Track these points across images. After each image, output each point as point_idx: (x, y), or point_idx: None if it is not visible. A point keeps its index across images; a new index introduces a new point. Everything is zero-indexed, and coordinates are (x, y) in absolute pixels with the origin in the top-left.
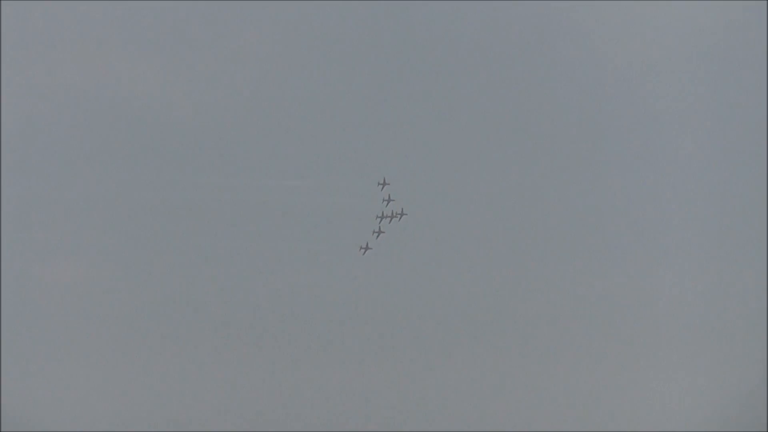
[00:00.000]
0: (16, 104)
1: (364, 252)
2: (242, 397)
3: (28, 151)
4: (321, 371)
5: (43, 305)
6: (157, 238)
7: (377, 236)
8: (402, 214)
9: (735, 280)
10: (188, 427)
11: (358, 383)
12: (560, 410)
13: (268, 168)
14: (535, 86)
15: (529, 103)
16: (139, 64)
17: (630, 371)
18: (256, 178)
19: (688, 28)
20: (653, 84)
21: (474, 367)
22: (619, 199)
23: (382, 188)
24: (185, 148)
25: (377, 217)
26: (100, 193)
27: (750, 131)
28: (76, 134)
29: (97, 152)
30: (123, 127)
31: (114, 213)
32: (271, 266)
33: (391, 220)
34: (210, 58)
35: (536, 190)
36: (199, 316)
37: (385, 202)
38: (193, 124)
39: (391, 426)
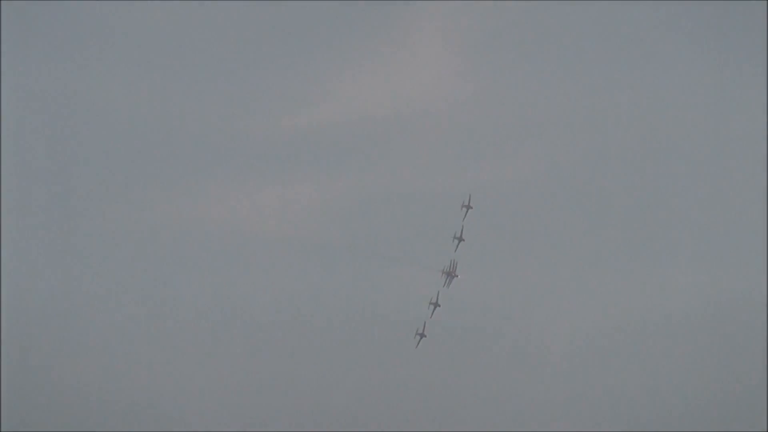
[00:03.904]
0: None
1: (420, 340)
2: None
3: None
4: None
5: (44, 303)
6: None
7: (433, 311)
8: (454, 275)
9: (735, 279)
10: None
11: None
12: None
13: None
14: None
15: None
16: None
17: (631, 370)
18: None
19: (688, 28)
20: (653, 84)
21: None
22: (622, 198)
23: (465, 213)
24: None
25: (443, 272)
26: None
27: (750, 131)
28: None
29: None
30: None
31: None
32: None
33: (451, 282)
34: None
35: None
36: None
37: (457, 241)
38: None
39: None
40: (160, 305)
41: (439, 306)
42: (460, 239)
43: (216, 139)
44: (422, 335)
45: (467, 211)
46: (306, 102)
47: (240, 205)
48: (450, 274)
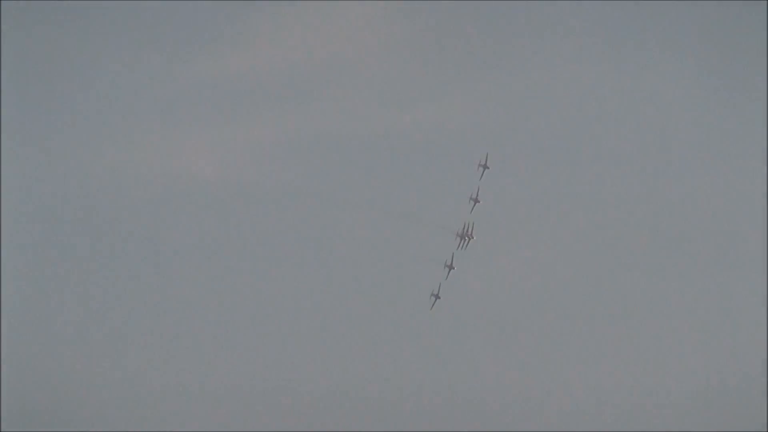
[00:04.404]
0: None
1: (434, 302)
2: None
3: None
4: None
5: (44, 303)
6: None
7: (448, 274)
8: (470, 237)
9: (735, 280)
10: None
11: None
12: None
13: None
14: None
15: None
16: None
17: (632, 370)
18: None
19: (688, 28)
20: (654, 84)
21: None
22: (620, 199)
23: (482, 173)
24: None
25: (457, 235)
26: None
27: (750, 131)
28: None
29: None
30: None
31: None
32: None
33: (467, 243)
34: None
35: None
36: None
37: (473, 202)
38: None
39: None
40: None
41: (454, 269)
42: (476, 200)
43: (150, 86)
44: (437, 297)
45: (484, 171)
46: (238, 47)
47: (182, 151)
48: (465, 236)
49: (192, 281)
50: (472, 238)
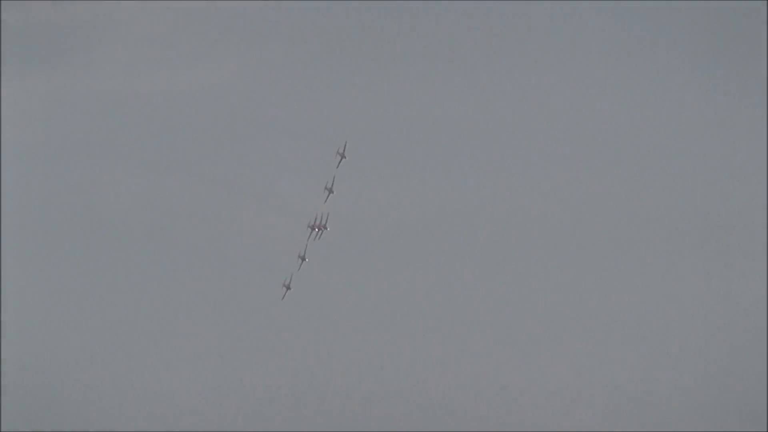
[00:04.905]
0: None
1: (286, 293)
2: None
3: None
4: None
5: (44, 302)
6: None
7: (300, 265)
8: (324, 228)
9: (736, 279)
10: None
11: None
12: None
13: None
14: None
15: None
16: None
17: (633, 370)
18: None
19: (688, 28)
20: (654, 84)
21: None
22: (621, 199)
23: (339, 162)
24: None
25: (309, 226)
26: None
27: (750, 130)
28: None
29: None
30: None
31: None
32: None
33: (320, 234)
34: None
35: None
36: None
37: (327, 192)
38: None
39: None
40: None
41: (306, 260)
42: (331, 191)
43: None
44: (288, 288)
45: (341, 160)
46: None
47: None
48: (319, 227)
49: None
50: (326, 229)
